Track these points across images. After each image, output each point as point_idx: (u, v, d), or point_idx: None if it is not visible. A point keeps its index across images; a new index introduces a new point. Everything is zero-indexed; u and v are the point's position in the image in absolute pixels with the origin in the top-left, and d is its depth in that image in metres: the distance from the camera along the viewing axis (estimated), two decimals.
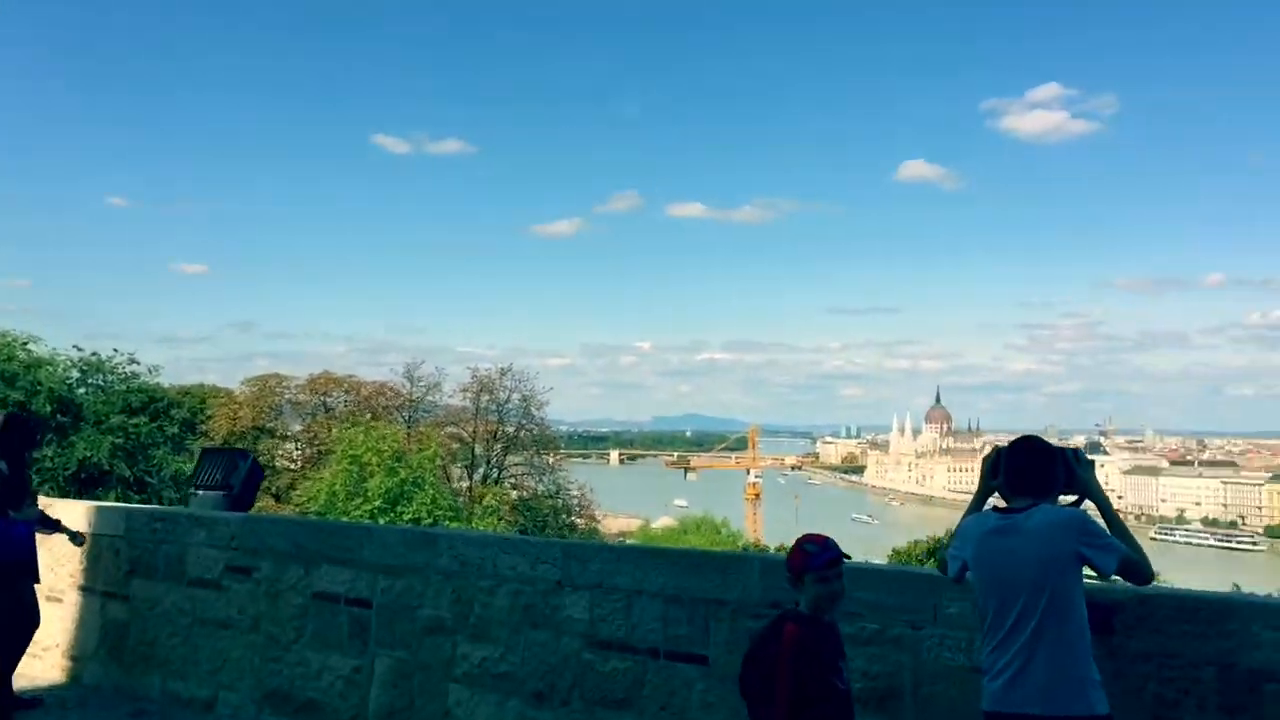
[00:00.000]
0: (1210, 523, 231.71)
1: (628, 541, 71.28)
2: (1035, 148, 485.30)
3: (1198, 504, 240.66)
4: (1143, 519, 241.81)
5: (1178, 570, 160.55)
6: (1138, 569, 4.13)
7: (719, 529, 68.22)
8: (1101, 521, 4.26)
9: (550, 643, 6.40)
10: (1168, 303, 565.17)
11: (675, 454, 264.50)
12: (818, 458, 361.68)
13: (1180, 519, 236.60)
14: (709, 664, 5.82)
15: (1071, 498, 4.44)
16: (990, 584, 4.24)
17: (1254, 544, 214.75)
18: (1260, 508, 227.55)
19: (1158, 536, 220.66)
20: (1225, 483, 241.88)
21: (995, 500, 4.67)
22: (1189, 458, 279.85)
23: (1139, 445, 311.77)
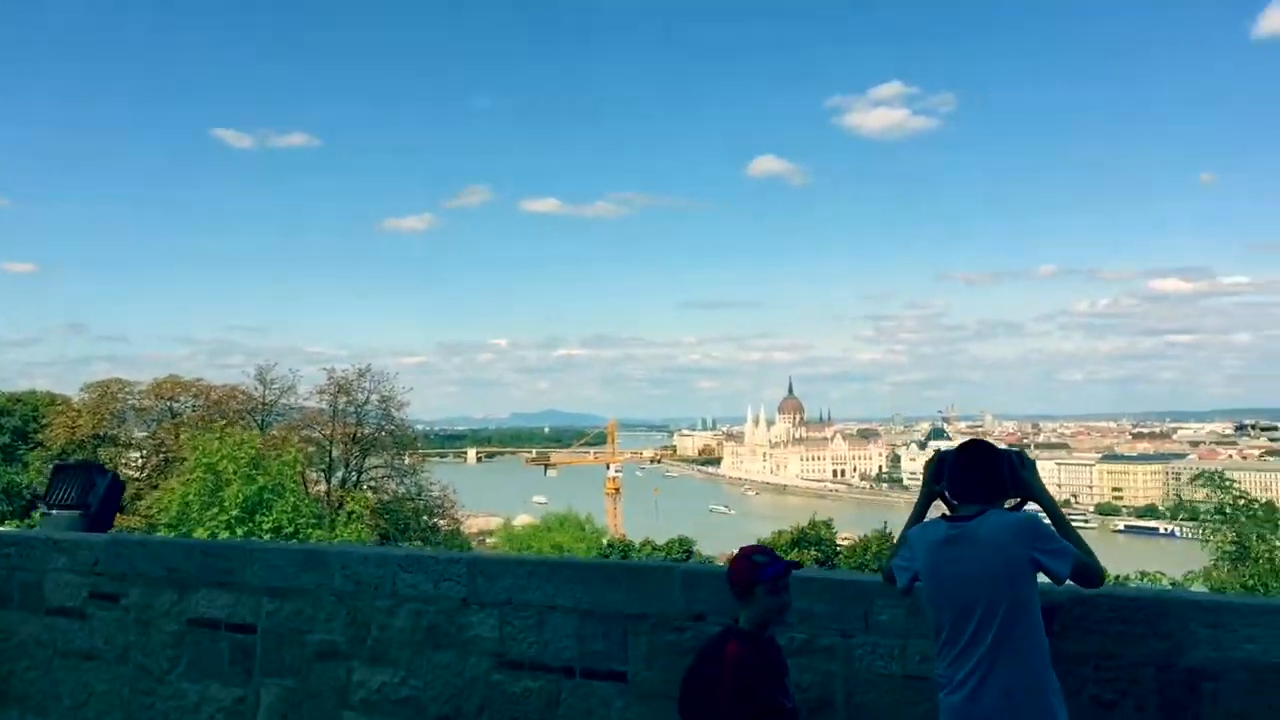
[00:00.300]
0: None
1: (490, 541, 70.41)
2: (879, 144, 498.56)
3: None
4: None
5: None
6: (1090, 572, 4.05)
7: (583, 525, 67.96)
8: (1048, 523, 4.17)
9: (456, 664, 6.06)
10: (1004, 293, 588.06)
11: (534, 451, 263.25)
12: (675, 450, 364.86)
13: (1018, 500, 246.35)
14: (628, 681, 5.57)
15: (1013, 501, 4.35)
16: (945, 595, 4.10)
17: (1085, 521, 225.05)
18: (1091, 487, 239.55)
19: None
20: (1059, 464, 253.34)
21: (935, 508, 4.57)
22: (1025, 441, 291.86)
23: (979, 430, 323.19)
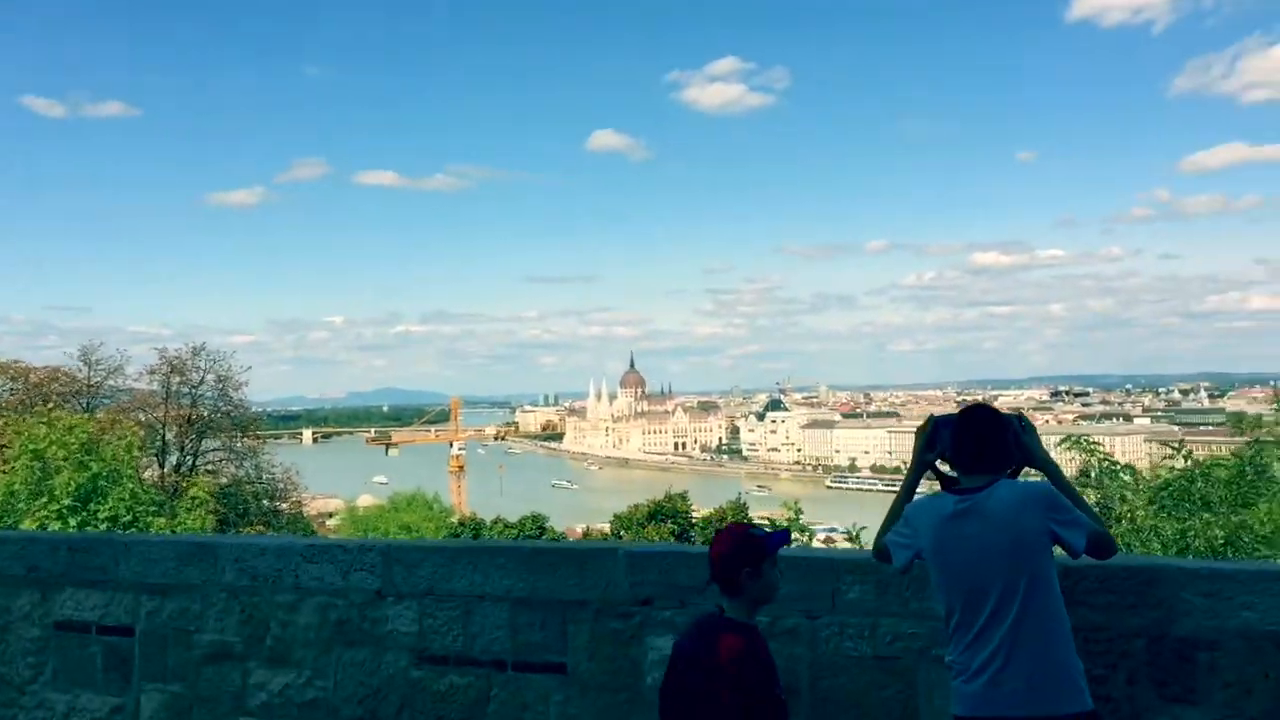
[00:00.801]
0: (878, 469, 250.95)
1: (331, 523, 68.37)
2: (717, 119, 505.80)
3: (866, 453, 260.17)
4: (819, 469, 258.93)
5: (853, 514, 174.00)
6: (1104, 543, 3.79)
7: (431, 505, 66.78)
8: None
9: (370, 661, 5.52)
10: (837, 267, 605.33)
11: (374, 430, 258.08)
12: (518, 427, 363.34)
13: (852, 467, 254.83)
14: (568, 672, 5.15)
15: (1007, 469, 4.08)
16: (957, 574, 3.77)
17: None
18: None
19: (832, 485, 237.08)
20: (890, 432, 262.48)
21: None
22: (859, 410, 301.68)
23: (815, 401, 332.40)
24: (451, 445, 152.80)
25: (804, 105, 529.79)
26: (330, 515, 73.34)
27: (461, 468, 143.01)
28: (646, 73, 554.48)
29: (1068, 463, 16.03)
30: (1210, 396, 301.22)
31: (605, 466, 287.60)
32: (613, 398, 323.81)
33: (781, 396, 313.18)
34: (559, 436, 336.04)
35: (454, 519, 61.53)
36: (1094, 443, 15.70)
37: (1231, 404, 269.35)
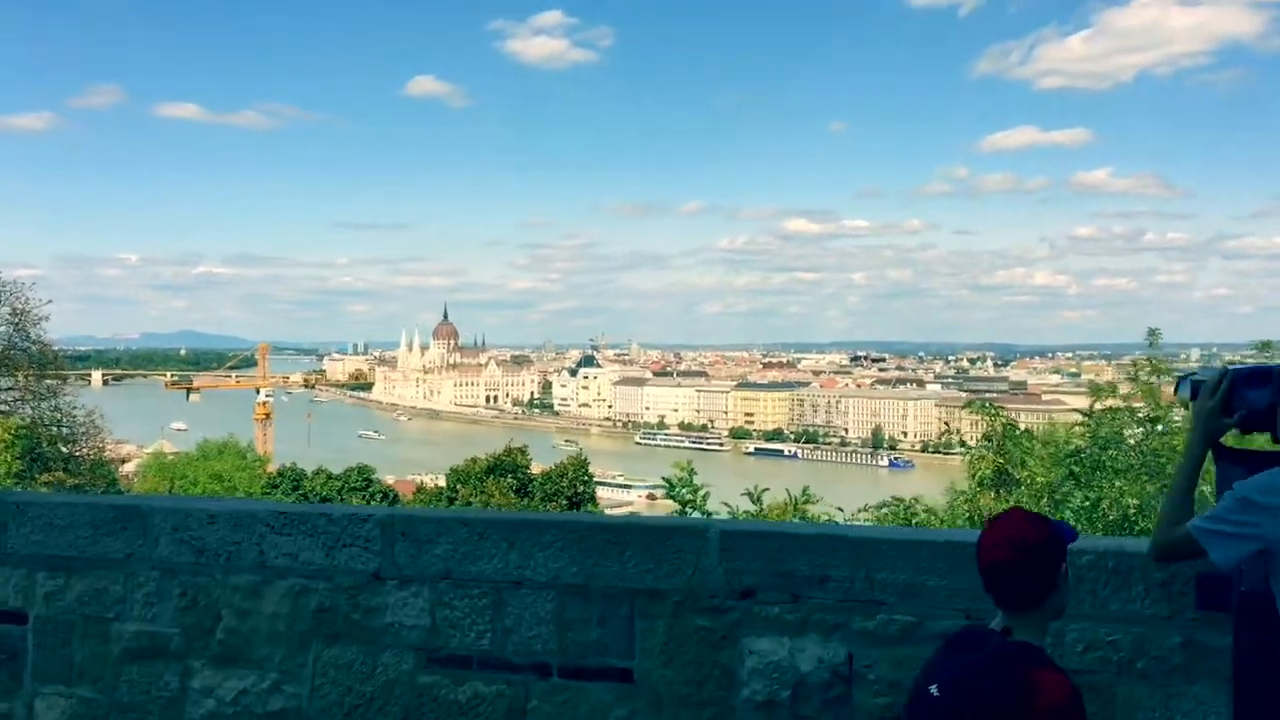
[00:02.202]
0: (686, 427, 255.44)
1: (126, 469, 64.00)
2: (540, 71, 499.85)
3: (675, 410, 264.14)
4: (630, 426, 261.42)
5: (661, 470, 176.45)
6: None
7: (244, 454, 63.23)
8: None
9: (362, 663, 4.29)
10: (651, 227, 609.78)
11: (172, 374, 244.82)
12: (325, 375, 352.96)
13: (661, 425, 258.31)
14: (635, 680, 4.06)
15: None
16: None
17: (720, 445, 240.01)
18: (726, 412, 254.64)
19: (641, 441, 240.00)
20: (699, 391, 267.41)
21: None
22: (669, 369, 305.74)
23: (626, 358, 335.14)
24: (258, 392, 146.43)
25: (626, 64, 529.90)
26: (123, 461, 68.76)
27: (268, 416, 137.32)
28: (469, 21, 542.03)
29: (972, 425, 15.84)
30: (995, 365, 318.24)
31: (415, 418, 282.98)
32: (425, 349, 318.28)
33: (594, 353, 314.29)
34: (368, 386, 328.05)
35: (269, 468, 58.56)
36: (995, 406, 15.48)
37: (1014, 373, 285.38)
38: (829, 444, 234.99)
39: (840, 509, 14.26)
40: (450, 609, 4.22)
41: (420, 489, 37.25)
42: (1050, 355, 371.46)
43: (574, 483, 35.12)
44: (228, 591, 4.44)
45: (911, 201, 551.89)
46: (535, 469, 38.64)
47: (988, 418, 15.06)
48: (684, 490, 13.28)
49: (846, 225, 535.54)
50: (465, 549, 4.22)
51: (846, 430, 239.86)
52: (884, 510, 16.50)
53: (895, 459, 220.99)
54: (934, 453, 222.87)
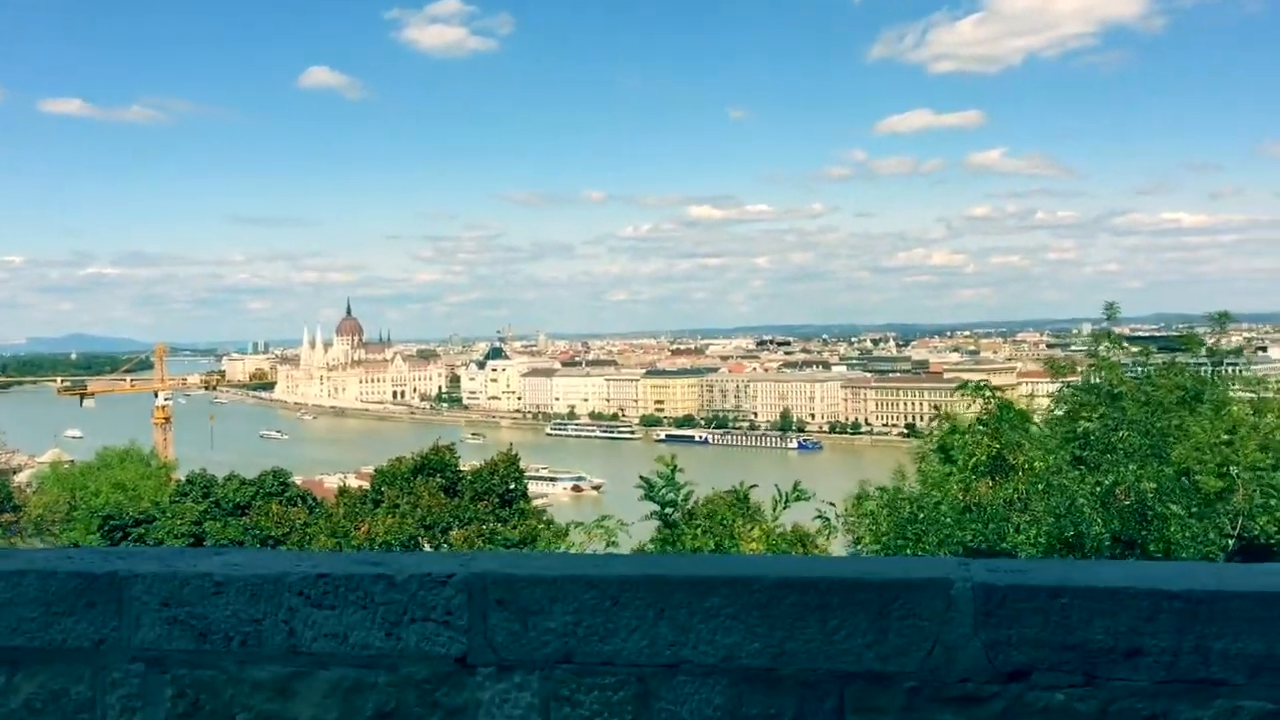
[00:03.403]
0: (597, 416, 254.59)
1: (18, 479, 60.65)
2: (438, 61, 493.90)
3: (585, 400, 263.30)
4: (540, 417, 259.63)
5: (574, 461, 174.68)
6: None
7: (148, 460, 60.13)
8: None
9: None
10: (556, 216, 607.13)
11: (63, 379, 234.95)
12: (225, 376, 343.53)
13: (572, 415, 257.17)
14: None
15: None
16: None
17: (632, 433, 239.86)
18: (636, 400, 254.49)
19: (552, 432, 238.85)
20: (609, 380, 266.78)
21: None
22: (577, 359, 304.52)
23: (534, 349, 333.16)
24: (156, 396, 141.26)
25: (526, 53, 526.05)
26: (15, 471, 65.15)
27: (168, 419, 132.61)
28: (364, 9, 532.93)
29: (967, 408, 14.92)
30: (898, 346, 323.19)
31: (320, 416, 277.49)
32: (328, 345, 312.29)
33: (502, 345, 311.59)
34: (271, 386, 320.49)
35: (174, 476, 55.76)
36: (994, 388, 14.57)
37: (916, 353, 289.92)
38: (739, 428, 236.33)
39: (831, 503, 13.13)
40: (573, 706, 2.94)
41: (344, 490, 35.45)
42: (949, 334, 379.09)
43: (505, 479, 33.72)
44: (245, 690, 3.08)
45: (812, 185, 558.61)
46: (464, 466, 37.12)
47: (984, 400, 14.14)
48: (665, 490, 12.04)
49: (749, 210, 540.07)
50: (593, 620, 2.93)
51: (755, 414, 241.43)
52: (867, 500, 15.48)
53: (804, 441, 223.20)
54: (841, 433, 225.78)
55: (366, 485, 42.52)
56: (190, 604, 3.15)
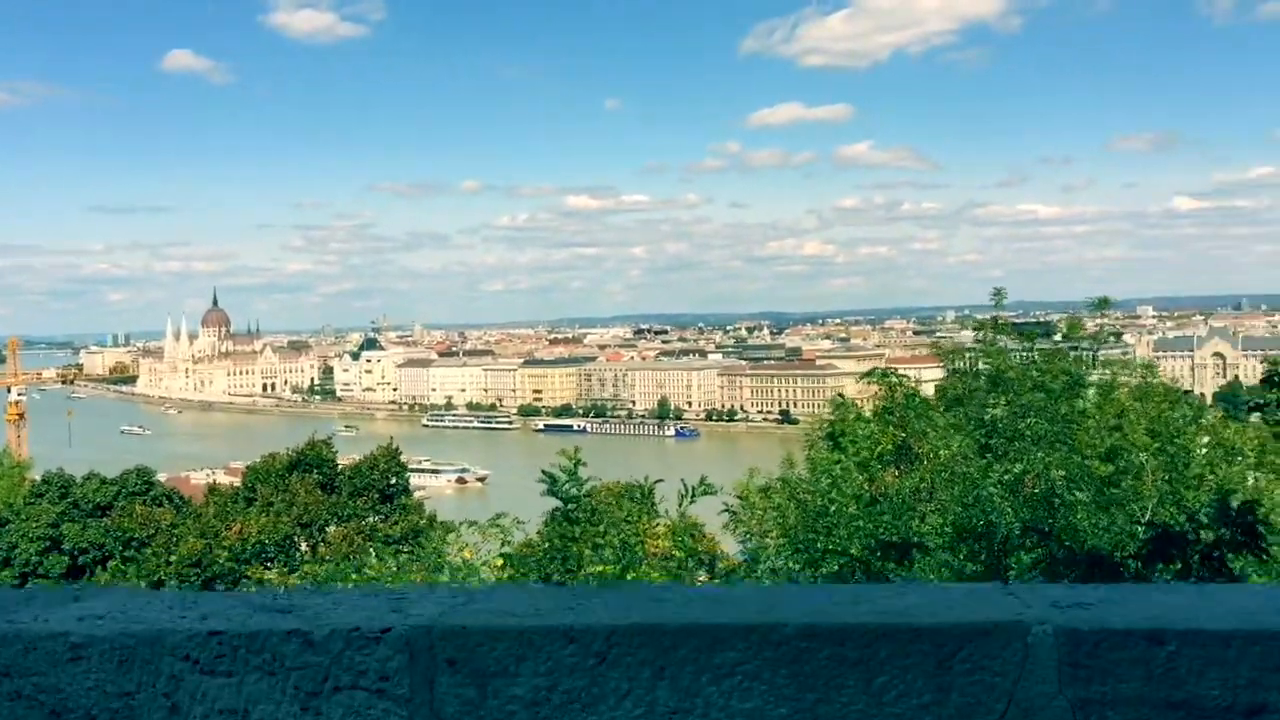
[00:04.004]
0: (474, 407, 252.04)
1: None
2: (307, 46, 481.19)
3: (463, 390, 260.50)
4: (416, 408, 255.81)
5: (452, 452, 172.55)
6: None
7: (0, 460, 56.62)
8: None
9: None
10: (430, 206, 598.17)
11: None
12: (83, 369, 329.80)
13: (449, 406, 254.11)
14: None
15: None
16: None
17: (510, 423, 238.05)
18: (514, 390, 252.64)
19: (429, 424, 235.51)
20: (486, 370, 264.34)
21: None
22: (454, 349, 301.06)
23: (409, 340, 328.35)
24: (9, 391, 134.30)
25: (398, 40, 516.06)
26: None
27: (22, 416, 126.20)
28: None
29: (869, 400, 14.58)
30: (771, 333, 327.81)
31: (185, 410, 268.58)
32: (193, 337, 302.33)
33: (377, 335, 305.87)
34: (132, 380, 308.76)
35: (29, 475, 52.62)
36: (897, 373, 14.28)
37: (789, 340, 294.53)
38: (617, 417, 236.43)
39: (740, 497, 12.68)
40: None
41: (214, 489, 33.74)
42: (821, 322, 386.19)
43: (385, 474, 32.54)
44: None
45: (688, 177, 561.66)
46: (343, 460, 35.77)
47: (884, 385, 13.82)
48: (569, 486, 11.39)
49: (626, 200, 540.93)
50: (572, 683, 2.29)
51: (634, 402, 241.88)
52: (773, 492, 15.07)
53: (681, 428, 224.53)
54: (718, 421, 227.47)
55: (237, 482, 40.79)
56: (39, 674, 2.43)
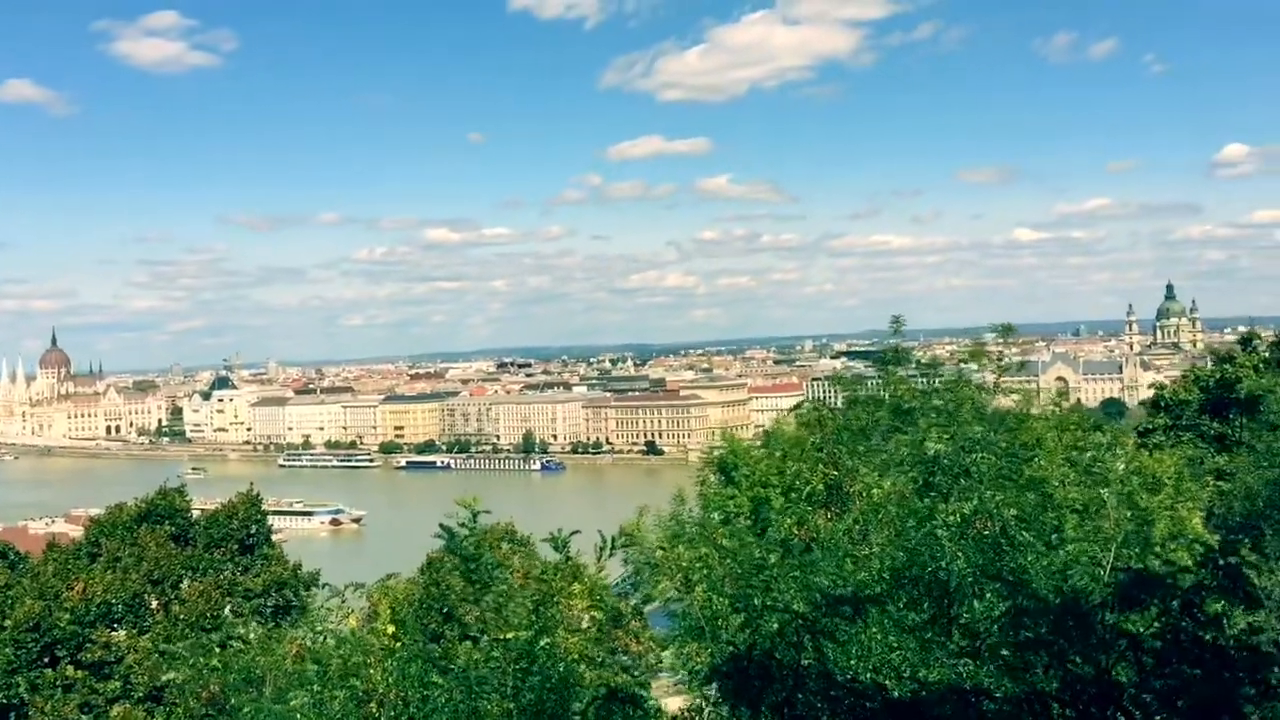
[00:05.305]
0: (333, 445, 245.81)
1: None
2: (154, 76, 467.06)
3: (321, 428, 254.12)
4: (272, 449, 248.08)
5: (311, 492, 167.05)
6: None
7: None
8: None
9: None
10: (285, 239, 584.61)
11: None
12: None
13: (306, 444, 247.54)
14: None
15: None
16: None
17: (371, 461, 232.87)
18: (375, 427, 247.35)
19: (286, 463, 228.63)
20: (345, 407, 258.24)
21: None
22: (311, 386, 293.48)
23: (264, 378, 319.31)
24: None
25: (252, 70, 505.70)
26: None
27: None
28: (70, 19, 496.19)
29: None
30: (635, 365, 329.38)
31: (22, 456, 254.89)
32: (30, 379, 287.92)
33: (229, 374, 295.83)
34: None
35: None
36: (827, 409, 13.36)
37: (653, 371, 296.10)
38: (482, 452, 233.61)
39: (662, 547, 11.45)
40: None
41: (53, 545, 30.94)
42: (684, 353, 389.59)
43: (246, 523, 30.31)
44: None
45: (549, 210, 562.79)
46: (198, 507, 33.31)
47: (815, 423, 12.88)
48: (469, 541, 10.01)
49: (487, 234, 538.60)
50: None
51: (498, 436, 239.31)
52: (696, 541, 13.90)
53: (547, 462, 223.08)
54: (583, 453, 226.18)
55: (79, 531, 37.68)
56: None
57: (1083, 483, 12.70)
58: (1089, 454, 14.31)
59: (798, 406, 13.65)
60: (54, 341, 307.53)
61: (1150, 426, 21.35)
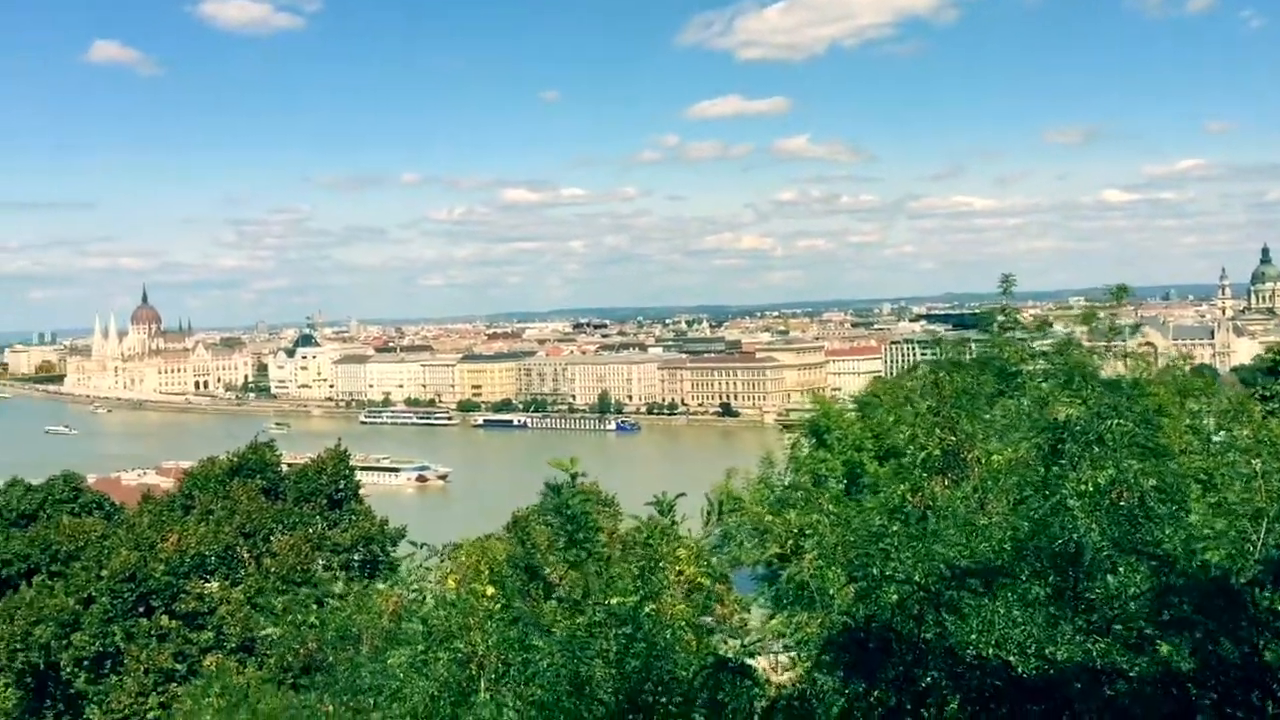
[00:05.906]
0: (412, 402, 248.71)
1: None
2: (240, 37, 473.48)
3: (401, 386, 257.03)
4: (353, 405, 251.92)
5: (391, 447, 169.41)
6: None
7: None
8: None
9: None
10: (367, 199, 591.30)
11: None
12: (7, 369, 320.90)
13: (386, 401, 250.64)
14: None
15: None
16: None
17: (449, 418, 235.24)
18: (453, 385, 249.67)
19: (366, 420, 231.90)
20: (424, 365, 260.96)
21: None
22: (391, 345, 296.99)
23: (346, 335, 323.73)
24: None
25: (335, 32, 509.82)
26: None
27: None
28: None
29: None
30: (711, 327, 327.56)
31: (115, 409, 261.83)
32: (122, 335, 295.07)
33: (312, 331, 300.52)
34: (59, 378, 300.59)
35: None
36: (944, 370, 12.76)
37: (729, 333, 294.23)
38: (557, 411, 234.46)
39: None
40: None
41: (148, 497, 31.46)
42: (760, 315, 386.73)
43: (334, 479, 30.52)
44: None
45: (625, 170, 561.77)
46: (287, 462, 33.63)
47: (931, 385, 12.24)
48: (577, 501, 9.62)
49: (564, 194, 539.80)
50: None
51: (574, 396, 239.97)
52: (810, 506, 13.44)
53: (622, 422, 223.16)
54: (657, 414, 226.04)
55: (170, 482, 38.36)
56: None
57: (1205, 451, 11.99)
58: (1212, 421, 13.54)
59: (913, 369, 13.00)
60: (144, 298, 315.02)
61: (1270, 393, 20.34)
